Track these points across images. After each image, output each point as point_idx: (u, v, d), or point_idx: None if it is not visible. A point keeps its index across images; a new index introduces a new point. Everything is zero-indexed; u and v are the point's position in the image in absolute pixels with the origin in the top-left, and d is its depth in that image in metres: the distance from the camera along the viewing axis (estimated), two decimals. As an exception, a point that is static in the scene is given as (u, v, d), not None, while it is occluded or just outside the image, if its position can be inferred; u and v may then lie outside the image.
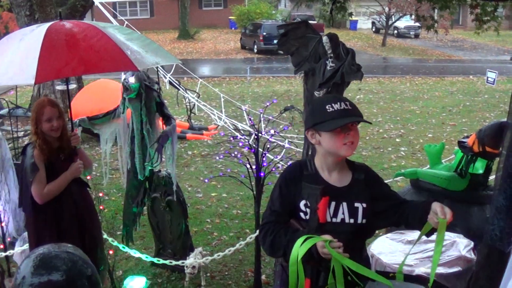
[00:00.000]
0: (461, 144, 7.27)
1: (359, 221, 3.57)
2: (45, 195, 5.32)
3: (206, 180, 10.79)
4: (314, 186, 3.54)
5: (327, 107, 3.44)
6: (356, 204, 3.58)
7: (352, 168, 3.69)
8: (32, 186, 5.29)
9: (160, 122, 6.89)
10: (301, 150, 5.95)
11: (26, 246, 6.57)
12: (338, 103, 3.45)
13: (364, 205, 3.59)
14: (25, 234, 6.83)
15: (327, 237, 3.31)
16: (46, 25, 5.15)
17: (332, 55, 5.45)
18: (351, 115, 3.46)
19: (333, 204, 3.56)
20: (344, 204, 3.58)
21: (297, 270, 3.39)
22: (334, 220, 3.56)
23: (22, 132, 13.11)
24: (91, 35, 5.15)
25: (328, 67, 5.55)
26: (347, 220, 3.57)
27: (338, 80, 5.42)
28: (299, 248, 3.37)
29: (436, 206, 3.39)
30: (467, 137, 7.33)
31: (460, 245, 5.81)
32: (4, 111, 13.88)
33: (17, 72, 4.84)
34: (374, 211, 3.61)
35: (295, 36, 5.80)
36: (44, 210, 5.44)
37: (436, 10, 11.57)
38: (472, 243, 5.90)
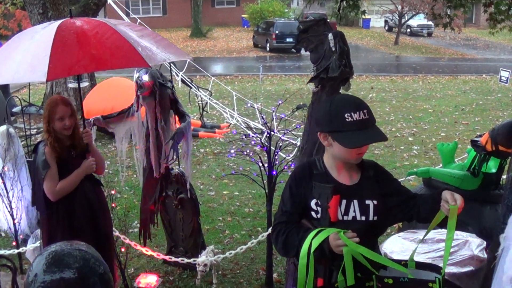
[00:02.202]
0: (474, 143, 7.23)
1: (371, 218, 3.58)
2: (57, 192, 5.34)
3: (222, 174, 10.79)
4: (325, 185, 3.55)
5: (346, 116, 3.41)
6: (367, 202, 3.59)
7: (361, 166, 3.69)
8: (44, 184, 5.30)
9: (174, 119, 6.90)
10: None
11: (39, 243, 6.60)
12: (357, 112, 3.42)
13: (375, 202, 3.59)
14: (38, 231, 6.87)
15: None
16: (57, 22, 5.15)
17: (337, 51, 5.44)
18: (368, 126, 3.46)
19: (344, 202, 3.57)
20: (355, 202, 3.59)
21: (307, 264, 3.40)
22: (345, 218, 3.57)
23: (35, 130, 13.15)
24: (102, 32, 5.15)
25: (332, 64, 5.55)
26: (358, 218, 3.58)
27: (324, 75, 5.40)
28: (310, 241, 3.38)
29: (446, 193, 3.45)
30: (480, 136, 7.29)
31: (472, 245, 5.79)
32: (17, 108, 13.93)
33: (28, 70, 4.84)
34: (385, 207, 3.61)
35: (314, 33, 5.78)
36: (57, 208, 5.46)
37: (448, 9, 11.53)
38: (485, 243, 5.88)
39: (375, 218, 3.58)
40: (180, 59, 7.05)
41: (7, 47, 5.29)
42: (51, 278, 2.03)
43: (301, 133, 12.52)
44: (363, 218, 3.58)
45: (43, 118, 5.39)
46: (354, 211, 3.58)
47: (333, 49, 5.45)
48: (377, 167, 3.77)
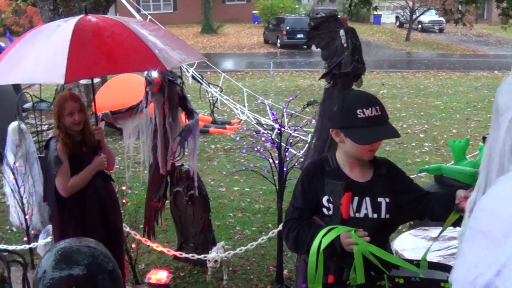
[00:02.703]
0: (485, 140, 7.20)
1: (383, 216, 3.56)
2: (69, 188, 5.35)
3: (233, 170, 10.79)
4: (337, 182, 3.52)
5: (358, 112, 3.39)
6: (379, 199, 3.58)
7: (373, 163, 3.68)
8: (56, 180, 5.31)
9: (182, 116, 6.89)
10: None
11: (50, 238, 6.62)
12: (370, 108, 3.40)
13: (387, 199, 3.58)
14: (49, 226, 6.89)
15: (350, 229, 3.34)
16: (73, 20, 5.11)
17: (349, 47, 5.42)
18: (380, 123, 3.44)
19: (356, 199, 3.56)
20: (367, 199, 3.58)
21: (316, 261, 3.39)
22: (357, 215, 3.55)
23: (46, 126, 13.18)
24: (119, 33, 5.13)
25: (344, 60, 5.54)
26: (370, 215, 3.57)
27: (336, 71, 5.39)
28: (321, 239, 3.38)
29: (461, 193, 3.46)
30: (492, 133, 7.25)
31: None
32: (28, 104, 13.95)
33: (44, 71, 4.82)
34: (398, 205, 3.60)
35: (325, 29, 5.76)
36: (69, 204, 5.47)
37: (460, 5, 11.47)
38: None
39: (387, 215, 3.57)
40: (195, 61, 7.03)
41: (23, 45, 5.24)
42: (60, 275, 2.03)
43: (312, 130, 12.55)
44: (375, 215, 3.57)
45: (54, 114, 5.41)
46: (366, 208, 3.57)
47: (345, 45, 5.43)
48: (390, 164, 3.76)
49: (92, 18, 5.24)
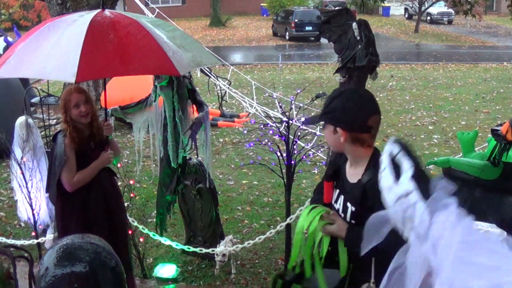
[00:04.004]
0: (494, 132, 7.16)
1: (348, 219, 3.62)
2: (75, 183, 5.35)
3: (241, 163, 10.77)
4: (329, 167, 3.93)
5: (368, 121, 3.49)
6: (348, 204, 3.62)
7: (367, 167, 3.56)
8: (62, 174, 5.31)
9: (192, 109, 6.88)
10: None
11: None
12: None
13: (353, 208, 3.58)
14: (57, 221, 6.90)
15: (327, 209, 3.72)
16: (89, 16, 4.99)
17: (362, 40, 5.40)
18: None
19: (336, 192, 3.75)
20: (342, 197, 3.69)
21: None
22: (335, 205, 3.75)
23: (54, 120, 13.20)
24: (134, 33, 5.01)
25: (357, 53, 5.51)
26: (340, 213, 3.68)
27: (351, 65, 5.37)
28: (306, 217, 3.65)
29: None
30: (501, 125, 7.22)
31: (492, 236, 5.72)
32: (36, 99, 13.98)
33: (56, 68, 4.74)
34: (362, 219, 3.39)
35: (337, 23, 5.74)
36: (72, 198, 5.47)
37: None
38: (505, 233, 5.81)
39: (352, 221, 3.59)
40: (210, 65, 6.98)
41: (36, 38, 5.11)
42: (62, 272, 2.02)
43: (320, 123, 12.51)
44: (343, 215, 3.66)
45: (60, 108, 5.40)
46: (340, 204, 3.69)
47: (358, 37, 5.42)
48: (375, 178, 3.35)
49: (109, 14, 5.13)
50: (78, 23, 4.98)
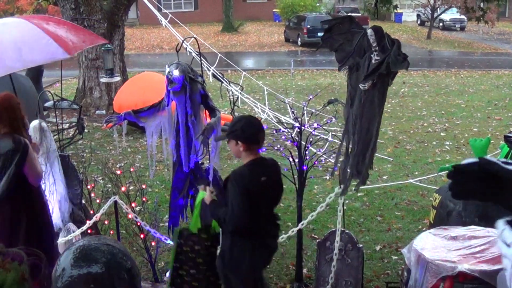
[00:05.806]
0: (507, 139, 7.15)
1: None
2: None
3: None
4: None
5: None
6: None
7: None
8: None
9: (204, 114, 6.90)
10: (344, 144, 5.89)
11: (70, 236, 6.65)
12: None
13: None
14: (69, 224, 6.95)
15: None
16: (13, 18, 5.60)
17: (377, 48, 5.38)
18: None
19: None
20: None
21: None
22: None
23: (67, 124, 13.25)
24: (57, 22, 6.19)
25: (373, 61, 5.48)
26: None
27: (384, 71, 5.35)
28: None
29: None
30: (513, 131, 7.20)
31: (504, 242, 5.71)
32: (50, 103, 13.99)
33: (39, 52, 5.16)
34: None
35: (339, 31, 5.73)
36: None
37: (482, 3, 11.41)
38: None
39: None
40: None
41: None
42: (79, 273, 2.05)
43: (332, 128, 12.51)
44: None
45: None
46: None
47: (374, 44, 5.40)
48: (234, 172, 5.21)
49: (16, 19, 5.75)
50: (10, 26, 5.45)
